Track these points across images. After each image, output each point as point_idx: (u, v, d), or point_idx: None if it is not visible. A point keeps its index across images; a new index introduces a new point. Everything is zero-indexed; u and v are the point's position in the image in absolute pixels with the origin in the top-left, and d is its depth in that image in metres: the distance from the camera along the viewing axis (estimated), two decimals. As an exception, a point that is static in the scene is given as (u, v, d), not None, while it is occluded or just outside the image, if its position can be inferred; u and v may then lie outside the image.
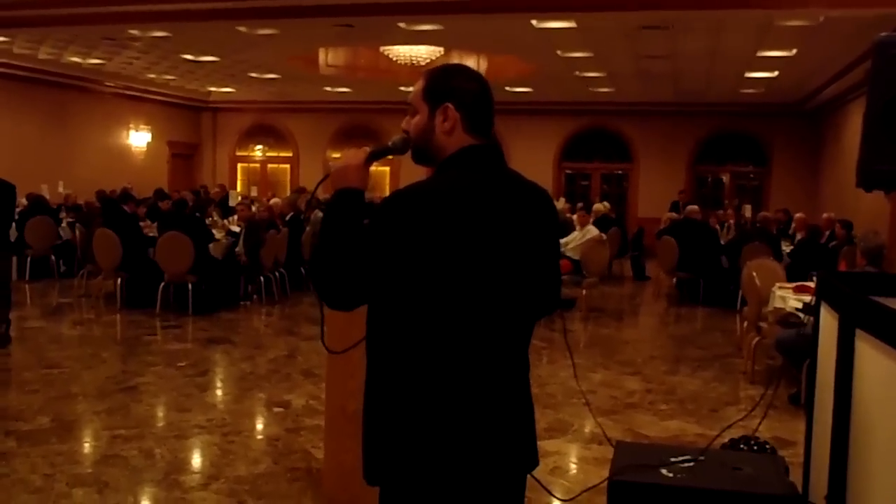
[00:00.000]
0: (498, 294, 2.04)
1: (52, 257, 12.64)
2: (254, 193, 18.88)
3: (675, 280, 12.61)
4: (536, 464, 2.19)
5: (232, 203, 15.17)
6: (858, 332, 2.74)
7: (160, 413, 6.23)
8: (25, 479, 4.69)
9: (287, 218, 12.44)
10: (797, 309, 6.53)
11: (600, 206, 15.28)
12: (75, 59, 15.83)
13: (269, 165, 23.45)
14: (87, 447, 5.40)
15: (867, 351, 2.67)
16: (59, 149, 17.58)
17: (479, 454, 2.01)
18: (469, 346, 2.01)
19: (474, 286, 2.00)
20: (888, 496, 2.36)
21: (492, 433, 2.04)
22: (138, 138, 20.30)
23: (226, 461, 5.12)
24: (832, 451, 2.89)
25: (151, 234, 11.02)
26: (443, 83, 2.13)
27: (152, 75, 18.05)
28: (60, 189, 15.91)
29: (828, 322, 3.24)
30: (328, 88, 18.85)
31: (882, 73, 3.58)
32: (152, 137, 20.69)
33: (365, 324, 2.13)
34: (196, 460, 5.22)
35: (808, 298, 6.22)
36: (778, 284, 7.42)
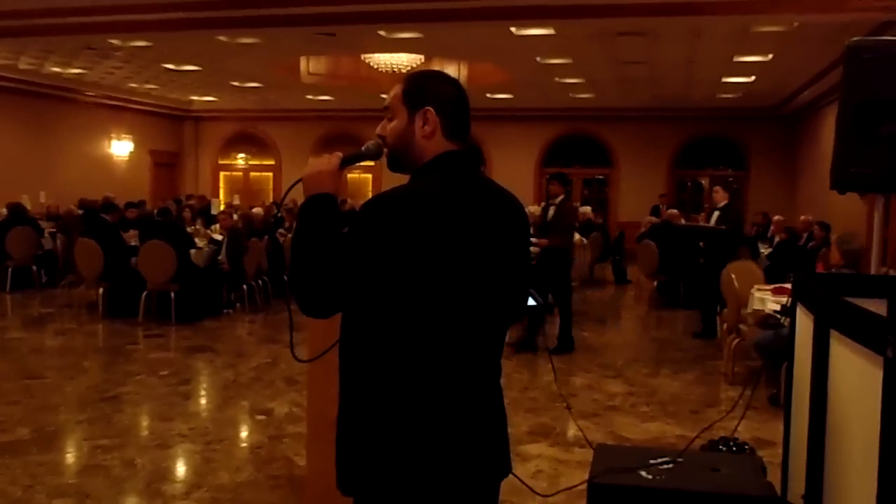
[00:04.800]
0: (475, 300, 2.04)
1: (34, 267, 12.57)
2: (236, 202, 18.85)
3: (655, 283, 12.68)
4: (509, 470, 2.19)
5: (214, 212, 15.16)
6: (833, 332, 2.77)
7: (142, 422, 6.21)
8: (5, 491, 4.67)
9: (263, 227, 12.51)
10: (775, 311, 6.59)
11: (584, 210, 15.31)
12: (56, 69, 15.76)
13: (252, 174, 23.39)
14: (68, 458, 5.38)
15: (841, 351, 2.70)
16: (41, 159, 17.46)
17: (453, 462, 2.00)
18: (444, 352, 2.01)
19: (452, 292, 1.99)
20: (864, 494, 2.39)
21: (466, 441, 2.03)
22: (120, 148, 20.20)
23: (208, 470, 5.11)
24: (809, 451, 2.93)
25: (133, 243, 10.99)
26: (422, 87, 2.12)
27: (134, 85, 17.98)
28: (42, 199, 15.84)
29: (803, 323, 3.28)
30: (310, 97, 18.83)
31: (854, 78, 3.64)
32: (134, 147, 20.59)
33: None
34: (178, 469, 5.21)
35: (786, 300, 6.29)
36: (756, 286, 7.48)
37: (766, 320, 6.94)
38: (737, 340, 7.49)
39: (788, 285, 6.72)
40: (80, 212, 12.95)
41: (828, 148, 3.98)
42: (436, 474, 1.99)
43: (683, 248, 12.16)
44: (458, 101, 2.14)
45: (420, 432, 1.98)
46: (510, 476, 2.21)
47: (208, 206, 16.66)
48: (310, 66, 15.39)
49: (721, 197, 9.58)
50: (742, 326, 7.50)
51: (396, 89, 2.15)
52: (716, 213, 9.59)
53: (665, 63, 13.22)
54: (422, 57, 13.54)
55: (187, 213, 14.11)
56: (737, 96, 16.88)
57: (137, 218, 12.80)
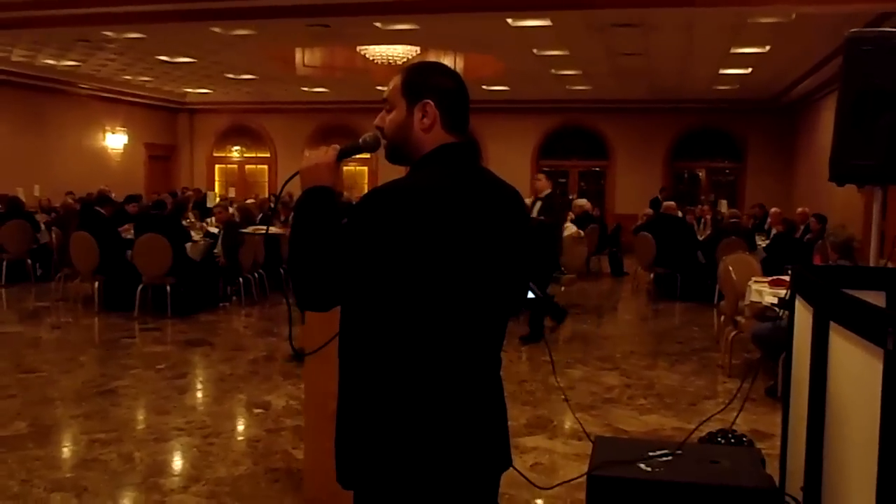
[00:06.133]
0: (474, 293, 2.03)
1: (29, 261, 12.52)
2: (231, 194, 18.81)
3: (652, 275, 12.68)
4: (510, 463, 2.18)
5: (210, 204, 15.13)
6: (832, 324, 2.77)
7: (139, 416, 6.19)
8: (2, 485, 4.66)
9: (258, 219, 12.50)
10: (773, 303, 6.59)
11: (582, 203, 15.27)
12: (50, 61, 15.69)
13: (247, 166, 23.36)
14: (65, 452, 5.37)
15: (841, 343, 2.70)
16: (35, 152, 17.41)
17: (453, 455, 2.00)
18: (444, 345, 2.00)
19: (452, 285, 1.98)
20: (862, 486, 2.39)
21: (466, 434, 2.02)
22: (115, 140, 20.16)
23: (206, 463, 5.10)
24: (807, 443, 2.93)
25: (128, 237, 10.96)
26: (422, 79, 2.11)
27: (128, 77, 17.92)
28: (36, 192, 15.78)
29: (802, 315, 3.28)
30: (305, 88, 18.80)
31: (853, 69, 3.63)
32: (129, 139, 20.55)
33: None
34: (176, 463, 5.20)
35: (783, 292, 6.29)
36: (754, 278, 7.48)
37: (763, 312, 6.94)
38: (734, 332, 7.49)
39: (786, 277, 6.74)
40: (77, 205, 12.90)
41: (825, 139, 3.99)
42: (436, 467, 1.99)
43: (680, 241, 12.18)
44: (457, 93, 2.12)
45: (420, 425, 1.98)
46: (509, 469, 2.20)
47: (203, 198, 16.63)
48: (305, 57, 15.32)
49: (544, 185, 9.04)
50: (739, 318, 7.50)
51: (396, 81, 2.13)
52: (538, 203, 9.15)
53: (662, 54, 13.19)
54: (418, 49, 13.50)
55: (190, 204, 14.09)
56: (734, 88, 16.86)
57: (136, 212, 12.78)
